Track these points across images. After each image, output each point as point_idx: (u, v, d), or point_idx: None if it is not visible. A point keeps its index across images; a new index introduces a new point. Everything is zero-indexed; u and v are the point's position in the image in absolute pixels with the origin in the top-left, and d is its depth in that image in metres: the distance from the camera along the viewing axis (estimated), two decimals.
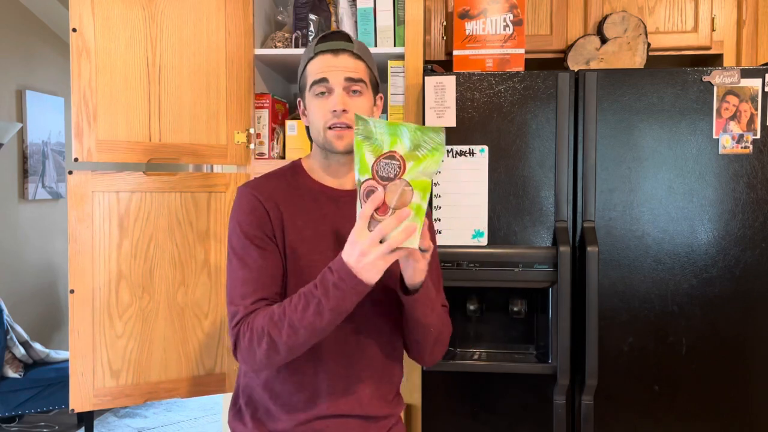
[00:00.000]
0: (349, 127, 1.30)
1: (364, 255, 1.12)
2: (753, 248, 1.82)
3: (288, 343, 1.20)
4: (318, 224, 1.33)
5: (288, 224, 1.32)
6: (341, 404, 1.34)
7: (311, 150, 1.42)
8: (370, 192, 1.13)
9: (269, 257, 1.30)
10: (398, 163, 1.14)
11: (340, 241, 1.31)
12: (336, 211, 1.35)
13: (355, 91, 1.32)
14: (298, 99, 1.42)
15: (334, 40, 1.34)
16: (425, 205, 1.14)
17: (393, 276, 1.28)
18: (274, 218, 1.31)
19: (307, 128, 1.41)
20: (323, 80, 1.30)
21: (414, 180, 1.13)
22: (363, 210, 1.13)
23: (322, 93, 1.31)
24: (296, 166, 1.42)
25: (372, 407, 1.39)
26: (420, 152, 1.15)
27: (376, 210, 1.12)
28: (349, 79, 1.31)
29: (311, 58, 1.33)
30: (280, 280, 1.30)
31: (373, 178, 1.13)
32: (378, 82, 1.40)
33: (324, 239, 1.33)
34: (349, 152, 1.32)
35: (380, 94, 1.42)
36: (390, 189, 1.13)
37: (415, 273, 1.22)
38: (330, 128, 1.30)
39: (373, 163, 1.14)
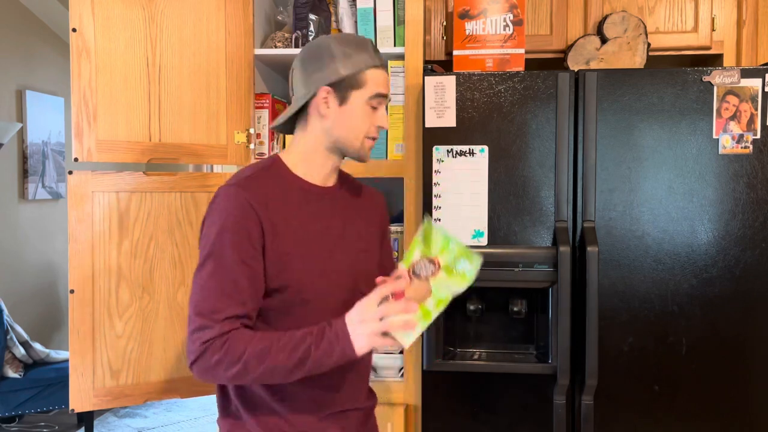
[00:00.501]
0: None
1: (363, 323, 1.18)
2: (753, 248, 1.82)
3: (259, 379, 1.20)
4: (308, 224, 1.31)
5: (280, 228, 1.27)
6: (345, 399, 1.36)
7: (310, 143, 1.35)
8: (397, 278, 1.21)
9: (252, 272, 1.23)
10: (434, 268, 1.22)
11: (330, 238, 1.33)
12: (322, 209, 1.35)
13: None
14: (325, 87, 1.30)
15: (379, 52, 1.38)
16: (434, 316, 1.21)
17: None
18: (265, 223, 1.25)
19: (298, 114, 1.35)
20: (386, 96, 1.34)
21: (437, 288, 1.22)
22: (382, 288, 1.20)
23: (374, 108, 1.33)
24: (277, 162, 1.36)
25: (367, 399, 1.45)
26: (456, 269, 1.24)
27: (392, 295, 1.19)
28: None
29: (375, 66, 1.32)
30: (259, 296, 1.25)
31: (408, 270, 1.22)
32: None
33: (315, 239, 1.31)
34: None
35: None
36: (415, 284, 1.20)
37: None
38: (369, 138, 1.34)
39: (415, 260, 1.23)
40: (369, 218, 1.45)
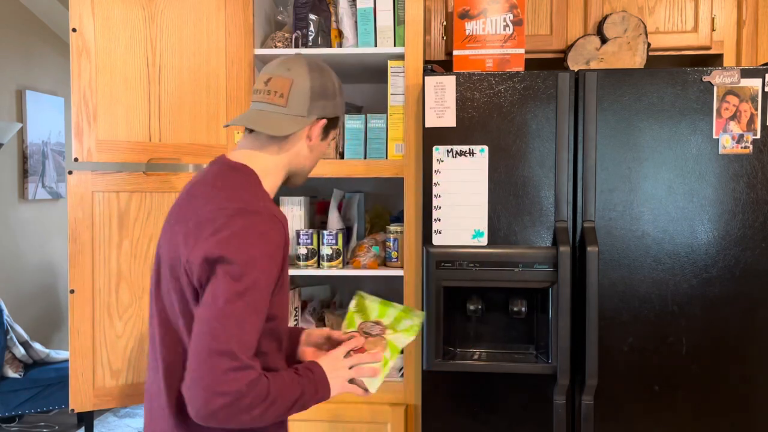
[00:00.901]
0: None
1: (336, 371, 1.29)
2: (753, 248, 1.82)
3: (271, 419, 1.15)
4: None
5: (286, 252, 1.24)
6: None
7: (264, 159, 1.28)
8: (350, 338, 1.38)
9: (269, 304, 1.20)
10: (381, 327, 1.41)
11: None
12: None
13: None
14: (320, 120, 1.30)
15: None
16: (392, 364, 1.38)
17: None
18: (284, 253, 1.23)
19: (287, 150, 1.30)
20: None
21: (390, 341, 1.40)
22: (345, 345, 1.34)
23: None
24: (255, 178, 1.26)
25: None
26: (400, 327, 1.42)
27: (353, 350, 1.34)
28: None
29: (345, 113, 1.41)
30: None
31: (358, 331, 1.40)
32: None
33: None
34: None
35: None
36: (370, 341, 1.38)
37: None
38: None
39: (361, 323, 1.42)
40: None
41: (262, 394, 1.11)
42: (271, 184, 1.29)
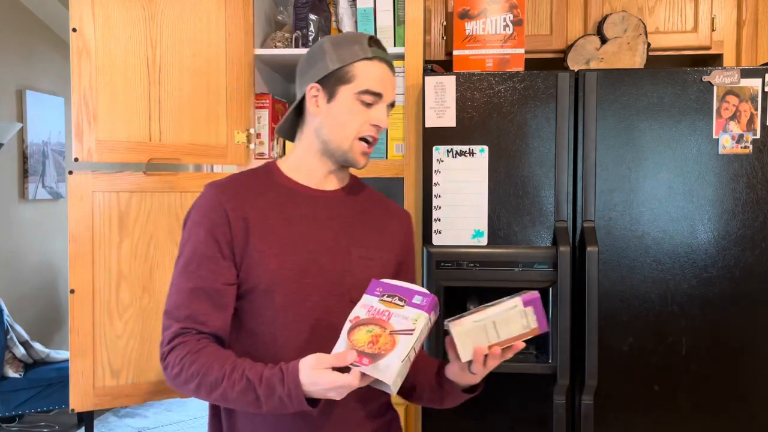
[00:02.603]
0: (373, 145, 1.27)
1: (315, 385, 1.05)
2: (753, 248, 1.82)
3: (215, 402, 1.15)
4: (292, 224, 1.24)
5: (254, 226, 1.21)
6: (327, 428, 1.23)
7: (301, 145, 1.30)
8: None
9: (213, 268, 1.19)
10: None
11: (318, 241, 1.24)
12: (312, 211, 1.26)
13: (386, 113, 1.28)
14: (313, 85, 1.25)
15: (384, 49, 1.27)
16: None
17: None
18: (234, 221, 1.20)
19: (295, 118, 1.30)
20: (379, 95, 1.23)
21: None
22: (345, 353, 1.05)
23: (369, 104, 1.23)
24: (270, 167, 1.31)
25: (371, 419, 1.29)
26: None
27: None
28: (392, 104, 1.28)
29: (367, 59, 1.22)
30: (222, 294, 1.19)
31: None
32: None
33: (299, 240, 1.23)
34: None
35: None
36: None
37: (468, 379, 1.21)
38: (362, 139, 1.24)
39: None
40: (382, 231, 1.33)
41: (188, 371, 1.13)
42: (307, 167, 1.29)
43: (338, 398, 1.06)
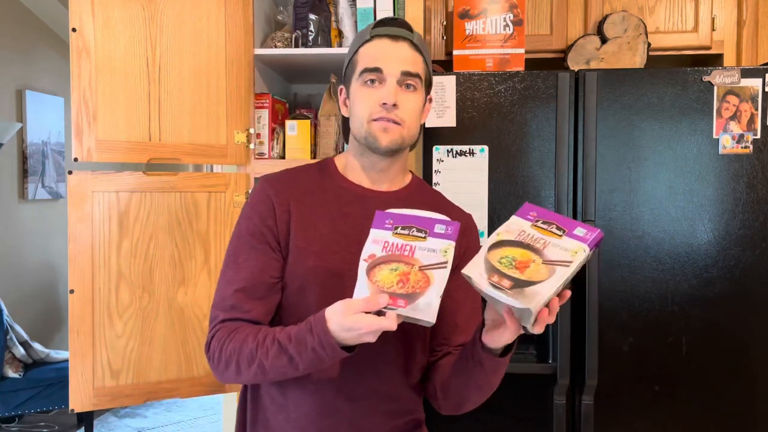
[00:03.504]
0: (397, 123, 1.17)
1: (350, 331, 1.00)
2: (753, 248, 1.82)
3: (256, 379, 1.13)
4: (337, 222, 1.21)
5: (296, 221, 1.20)
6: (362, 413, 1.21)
7: (348, 145, 1.29)
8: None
9: (262, 259, 1.19)
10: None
11: (358, 242, 1.15)
12: (361, 210, 1.22)
13: (408, 86, 1.18)
14: (340, 87, 1.28)
15: (394, 26, 1.20)
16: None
17: None
18: (280, 214, 1.20)
19: (345, 121, 1.28)
20: (376, 69, 1.17)
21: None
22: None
23: (372, 81, 1.18)
24: (327, 163, 1.30)
25: (394, 417, 1.26)
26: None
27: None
28: (406, 73, 1.17)
29: (366, 41, 1.19)
30: (269, 287, 1.19)
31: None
32: (431, 82, 1.27)
33: (341, 239, 1.20)
34: (392, 152, 1.21)
35: (430, 96, 1.28)
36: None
37: (503, 335, 1.08)
38: (375, 120, 1.18)
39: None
40: None
41: (226, 353, 1.12)
42: (353, 164, 1.26)
43: (373, 340, 1.01)
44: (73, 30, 1.87)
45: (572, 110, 1.85)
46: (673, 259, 1.83)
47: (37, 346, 3.72)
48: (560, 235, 1.01)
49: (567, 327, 1.79)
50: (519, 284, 0.97)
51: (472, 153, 1.88)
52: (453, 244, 1.02)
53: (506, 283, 0.97)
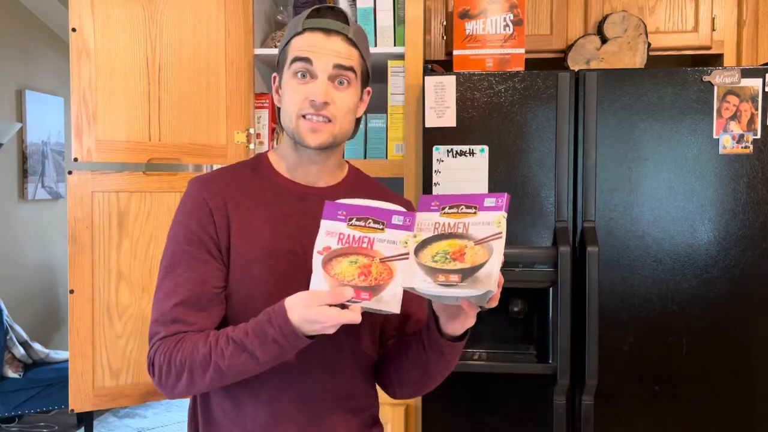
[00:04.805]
0: (328, 120, 1.14)
1: (313, 323, 0.98)
2: (753, 248, 1.82)
3: (212, 385, 1.08)
4: (278, 224, 1.16)
5: (236, 226, 1.15)
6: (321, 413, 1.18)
7: (282, 139, 1.23)
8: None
9: (202, 270, 1.13)
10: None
11: (302, 244, 1.15)
12: (302, 210, 1.18)
13: (341, 82, 1.14)
14: (273, 75, 1.22)
15: (329, 17, 1.15)
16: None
17: None
18: (219, 220, 1.14)
19: (278, 110, 1.22)
20: (306, 60, 1.13)
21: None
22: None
23: (303, 75, 1.13)
24: (260, 159, 1.24)
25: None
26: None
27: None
28: (339, 66, 1.13)
29: (297, 34, 1.15)
30: (211, 298, 1.13)
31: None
32: (369, 74, 1.22)
33: (284, 242, 1.15)
34: (323, 149, 1.17)
35: (368, 88, 1.24)
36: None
37: (465, 322, 1.07)
38: (304, 117, 1.14)
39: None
40: None
41: (175, 362, 1.07)
42: (286, 158, 1.22)
43: (332, 332, 1.00)
44: (73, 30, 1.87)
45: (572, 110, 1.85)
46: (673, 259, 1.83)
47: (36, 346, 3.72)
48: (474, 213, 1.00)
49: (567, 327, 1.79)
50: (468, 273, 0.95)
51: (472, 153, 1.88)
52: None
53: (455, 277, 0.96)
